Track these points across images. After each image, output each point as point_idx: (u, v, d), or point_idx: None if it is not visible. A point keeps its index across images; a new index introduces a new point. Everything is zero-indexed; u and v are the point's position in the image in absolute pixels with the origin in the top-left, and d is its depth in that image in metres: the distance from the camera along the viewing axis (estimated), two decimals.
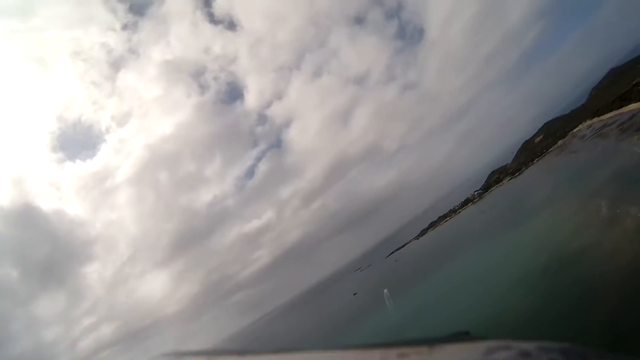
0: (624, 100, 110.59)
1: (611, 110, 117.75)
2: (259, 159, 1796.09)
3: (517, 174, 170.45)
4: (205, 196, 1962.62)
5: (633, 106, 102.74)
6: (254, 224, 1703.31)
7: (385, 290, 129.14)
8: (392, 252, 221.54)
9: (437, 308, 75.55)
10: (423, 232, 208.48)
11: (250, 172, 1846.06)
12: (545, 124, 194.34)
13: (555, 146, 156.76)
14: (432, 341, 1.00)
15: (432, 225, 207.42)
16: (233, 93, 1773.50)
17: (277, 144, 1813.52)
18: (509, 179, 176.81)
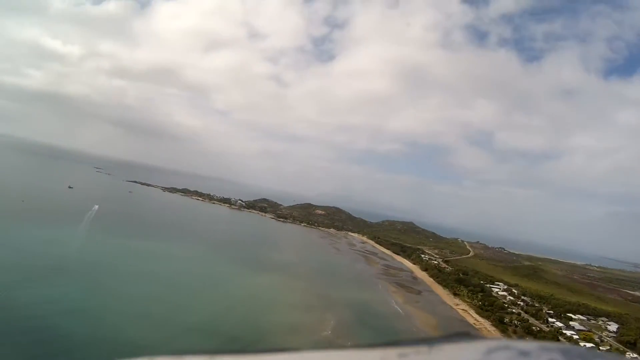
0: (403, 251, 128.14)
1: (388, 249, 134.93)
2: None
3: (282, 220, 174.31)
4: None
5: (406, 262, 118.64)
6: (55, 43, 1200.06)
7: (96, 207, 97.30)
8: (135, 182, 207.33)
9: (115, 270, 58.10)
10: (173, 190, 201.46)
11: None
12: (335, 207, 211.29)
13: (327, 230, 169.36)
14: (432, 341, 1.00)
15: (184, 191, 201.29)
16: None
17: None
18: (272, 216, 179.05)
